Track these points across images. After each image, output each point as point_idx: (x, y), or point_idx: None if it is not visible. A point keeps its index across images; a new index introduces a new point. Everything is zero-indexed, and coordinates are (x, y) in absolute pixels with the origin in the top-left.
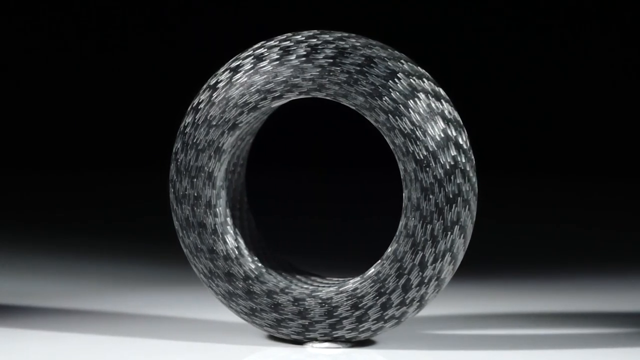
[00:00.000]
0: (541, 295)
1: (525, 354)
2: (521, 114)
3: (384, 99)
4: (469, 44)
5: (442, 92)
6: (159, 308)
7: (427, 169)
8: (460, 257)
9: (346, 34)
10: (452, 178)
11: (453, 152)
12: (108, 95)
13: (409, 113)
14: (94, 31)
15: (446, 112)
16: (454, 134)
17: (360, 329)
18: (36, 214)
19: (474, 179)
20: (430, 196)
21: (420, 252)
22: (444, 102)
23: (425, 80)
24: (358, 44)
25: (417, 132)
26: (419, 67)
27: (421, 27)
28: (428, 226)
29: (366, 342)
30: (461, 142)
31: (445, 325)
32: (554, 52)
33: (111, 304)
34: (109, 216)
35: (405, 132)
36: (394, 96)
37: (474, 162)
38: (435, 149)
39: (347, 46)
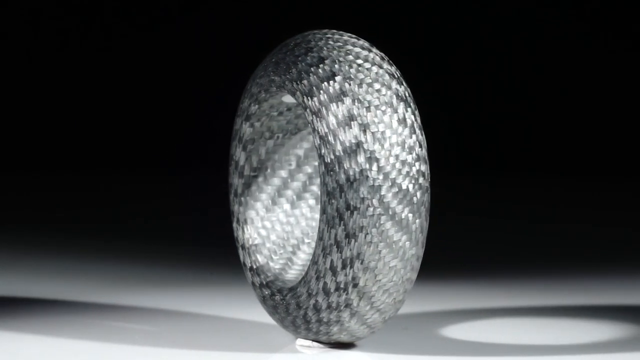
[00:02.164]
0: (541, 294)
1: None
2: (521, 114)
3: (314, 99)
4: (469, 45)
5: (378, 101)
6: (162, 308)
7: (332, 173)
8: (387, 269)
9: (330, 33)
10: (354, 185)
11: (360, 160)
12: (110, 96)
13: (328, 117)
14: (97, 31)
15: (370, 118)
16: (369, 141)
17: (313, 330)
18: (36, 215)
19: (386, 192)
20: (333, 201)
21: (328, 256)
22: (373, 108)
23: (364, 86)
24: (322, 44)
25: (329, 137)
26: (372, 73)
27: (422, 28)
28: (332, 231)
29: (354, 344)
30: (378, 149)
31: (442, 326)
32: (554, 52)
33: (112, 304)
34: (111, 217)
35: (321, 134)
36: (322, 98)
37: (412, 177)
38: (341, 154)
39: (312, 43)
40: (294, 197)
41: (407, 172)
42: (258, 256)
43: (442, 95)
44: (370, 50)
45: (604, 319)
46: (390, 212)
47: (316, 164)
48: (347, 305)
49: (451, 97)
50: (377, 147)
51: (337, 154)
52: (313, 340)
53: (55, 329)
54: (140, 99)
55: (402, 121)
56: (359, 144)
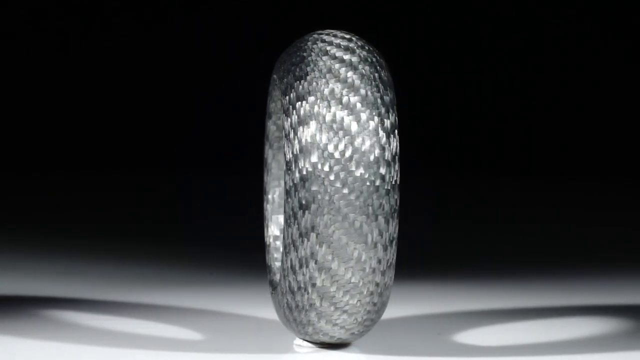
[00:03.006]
0: (540, 295)
1: None
2: (521, 114)
3: (286, 98)
4: (469, 45)
5: (340, 102)
6: (162, 308)
7: (289, 171)
8: (342, 270)
9: (326, 35)
10: (305, 184)
11: (314, 159)
12: (110, 96)
13: (292, 115)
14: (97, 31)
15: (328, 118)
16: (324, 141)
17: (295, 329)
18: (37, 214)
19: (336, 193)
20: (289, 199)
21: (288, 254)
22: (334, 108)
23: (330, 86)
24: (310, 44)
25: (291, 134)
26: (341, 75)
27: (422, 28)
28: (289, 229)
29: (347, 344)
30: (332, 150)
31: (440, 327)
32: (553, 52)
33: (112, 304)
34: (111, 217)
35: (285, 133)
36: (291, 96)
37: (366, 179)
38: (298, 153)
39: (304, 43)
40: None
41: (361, 174)
42: (274, 254)
43: (441, 95)
44: (353, 52)
45: (604, 319)
46: (341, 214)
47: None
48: (312, 306)
49: (450, 97)
50: (331, 147)
51: (295, 152)
52: (303, 340)
53: (55, 329)
54: (140, 99)
55: (364, 123)
56: (313, 144)
